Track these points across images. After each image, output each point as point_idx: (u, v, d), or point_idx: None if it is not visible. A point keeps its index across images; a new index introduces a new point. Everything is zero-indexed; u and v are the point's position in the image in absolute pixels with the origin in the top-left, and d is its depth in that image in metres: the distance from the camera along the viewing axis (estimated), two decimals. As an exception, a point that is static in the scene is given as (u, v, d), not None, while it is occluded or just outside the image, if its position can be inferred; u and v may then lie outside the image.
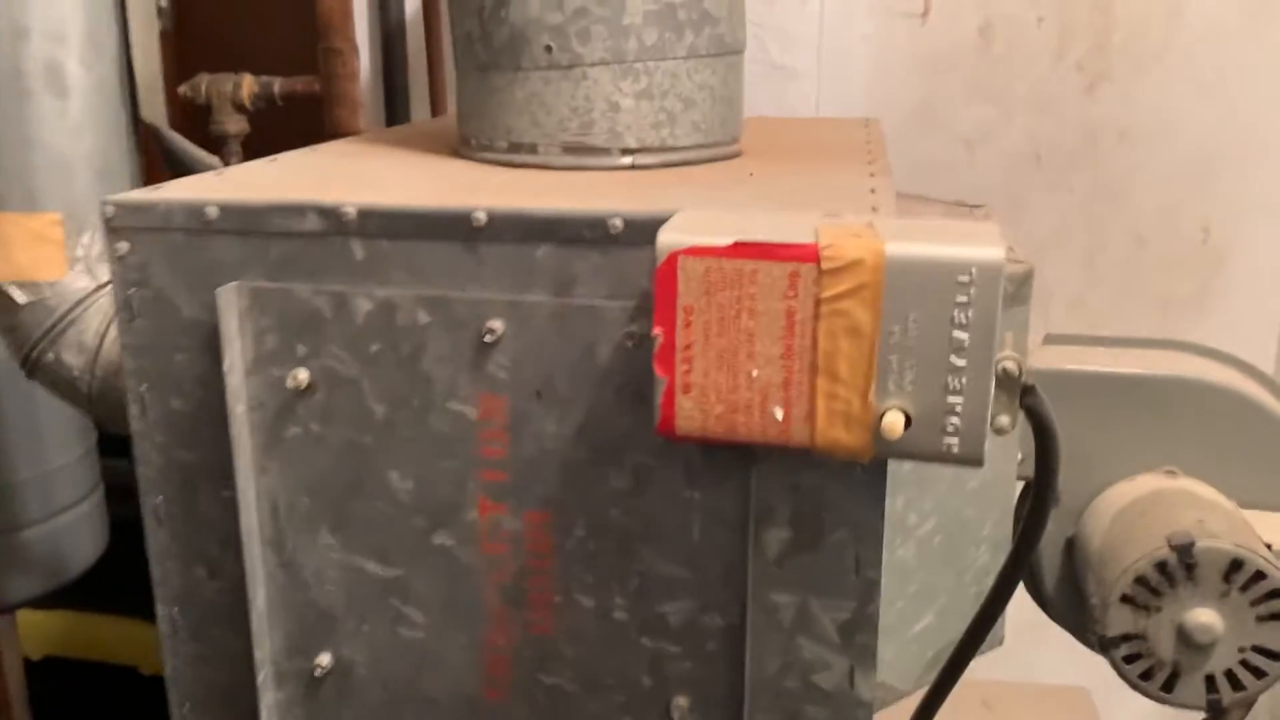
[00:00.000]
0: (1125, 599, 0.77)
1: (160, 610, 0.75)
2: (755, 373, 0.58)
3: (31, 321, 0.94)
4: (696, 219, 0.60)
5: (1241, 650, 0.76)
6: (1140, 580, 0.76)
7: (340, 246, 0.67)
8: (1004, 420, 0.59)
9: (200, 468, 0.72)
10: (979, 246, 0.55)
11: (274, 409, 0.70)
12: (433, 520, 0.70)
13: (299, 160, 0.86)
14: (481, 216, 0.65)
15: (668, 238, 0.58)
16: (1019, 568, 0.66)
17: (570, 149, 0.81)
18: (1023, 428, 0.82)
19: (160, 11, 1.45)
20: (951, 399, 0.56)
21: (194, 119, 1.50)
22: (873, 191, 0.72)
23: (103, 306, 0.92)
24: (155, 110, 0.98)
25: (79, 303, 0.93)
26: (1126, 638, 0.77)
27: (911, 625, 0.77)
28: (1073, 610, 0.87)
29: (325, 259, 0.67)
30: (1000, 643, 0.85)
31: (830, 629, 0.67)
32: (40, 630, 1.92)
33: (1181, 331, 1.51)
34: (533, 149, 0.82)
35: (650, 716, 0.70)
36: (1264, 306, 1.53)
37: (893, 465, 0.66)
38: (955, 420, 0.56)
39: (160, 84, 1.02)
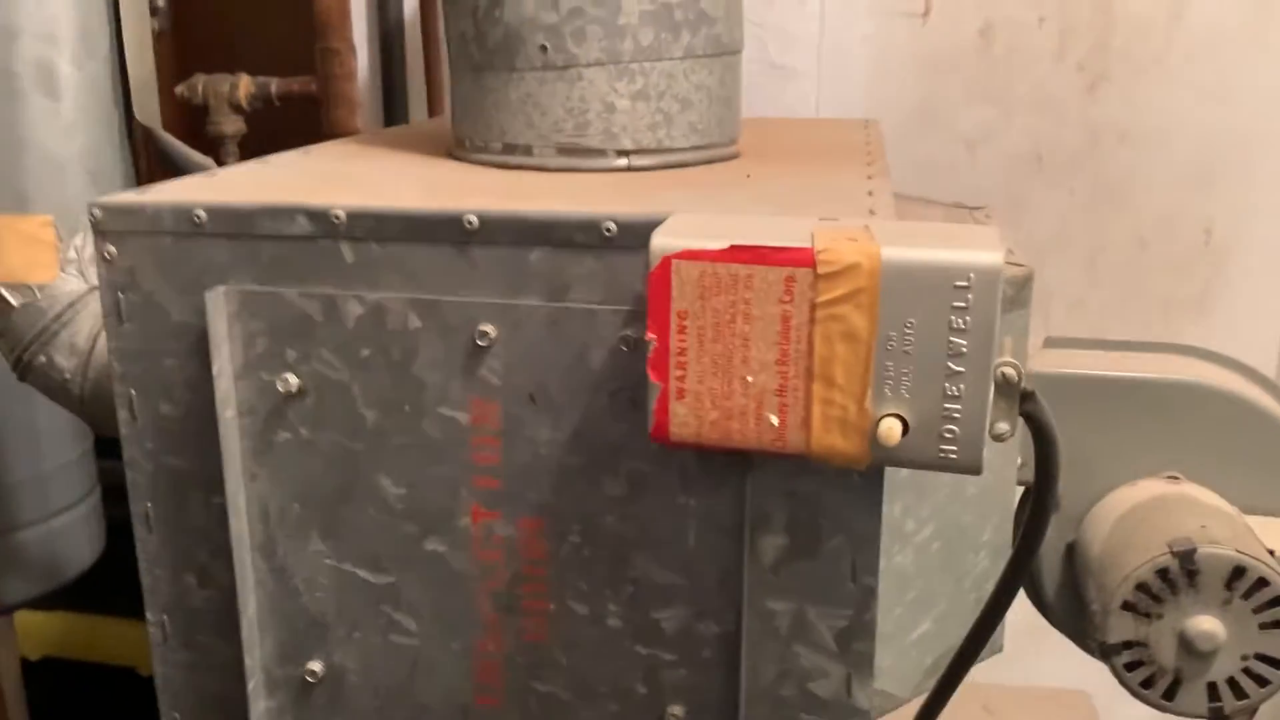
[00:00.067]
0: (1126, 606, 0.76)
1: (150, 617, 0.75)
2: (750, 378, 0.57)
3: (23, 324, 0.94)
4: (691, 222, 0.59)
5: (1244, 658, 0.75)
6: (1141, 587, 0.75)
7: (330, 249, 0.66)
8: (1003, 427, 0.58)
9: (190, 473, 0.71)
10: (977, 250, 0.54)
11: (264, 414, 0.69)
12: (424, 527, 0.69)
13: (291, 162, 0.85)
14: (473, 219, 0.64)
15: (661, 241, 0.57)
16: (1018, 575, 0.65)
17: (565, 150, 0.80)
18: (1022, 432, 0.81)
19: (157, 11, 1.44)
20: (949, 405, 0.55)
21: (192, 120, 1.50)
22: (870, 194, 0.71)
23: (95, 309, 0.92)
24: (149, 111, 0.98)
25: (71, 305, 0.92)
26: (1128, 645, 0.76)
27: (910, 632, 0.76)
28: (1073, 616, 0.86)
29: (315, 262, 0.66)
30: (1000, 649, 0.84)
31: (827, 637, 0.66)
32: (38, 631, 1.91)
33: (1183, 333, 1.51)
34: (528, 150, 0.81)
35: (645, 725, 0.70)
36: (1266, 308, 1.52)
37: (890, 471, 0.65)
38: (953, 427, 0.56)
39: (154, 84, 1.01)
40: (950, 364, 0.55)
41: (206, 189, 0.71)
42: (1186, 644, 0.75)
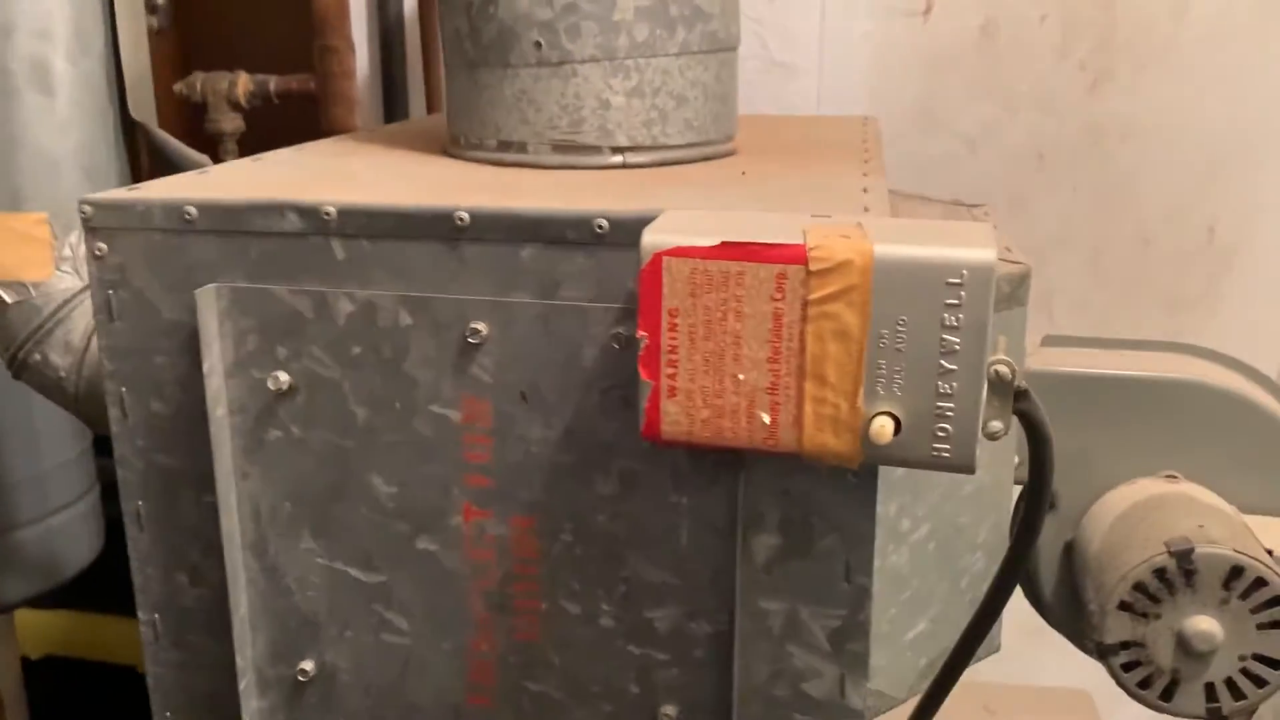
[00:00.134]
0: (1123, 606, 0.75)
1: (142, 616, 0.74)
2: (742, 376, 0.57)
3: (18, 321, 0.93)
4: (682, 219, 0.59)
5: (1242, 658, 0.75)
6: (1139, 587, 0.75)
7: (321, 246, 0.66)
8: (997, 425, 0.58)
9: (181, 472, 0.71)
10: (970, 248, 0.54)
11: (255, 412, 0.69)
12: (416, 525, 0.69)
13: (285, 159, 0.84)
14: (464, 216, 0.64)
15: (652, 238, 0.57)
16: (1013, 574, 0.64)
17: (560, 147, 0.80)
18: (1019, 431, 0.81)
19: (157, 9, 1.44)
20: (942, 404, 0.55)
21: (192, 117, 1.49)
22: (865, 191, 0.70)
23: (90, 306, 0.91)
24: (144, 108, 0.97)
25: (66, 303, 0.92)
26: (1125, 645, 0.76)
27: (905, 632, 0.75)
28: (1071, 616, 0.86)
29: (306, 259, 0.66)
30: (997, 649, 0.84)
31: (820, 637, 0.65)
32: (39, 630, 1.91)
33: (1188, 332, 1.50)
34: (522, 147, 0.80)
35: (638, 725, 0.69)
36: (1271, 306, 1.52)
37: (886, 470, 0.65)
38: (946, 426, 0.55)
39: (149, 81, 1.01)
40: (943, 362, 0.54)
41: (197, 186, 0.71)
42: (1184, 644, 0.75)
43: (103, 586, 1.57)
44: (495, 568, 0.69)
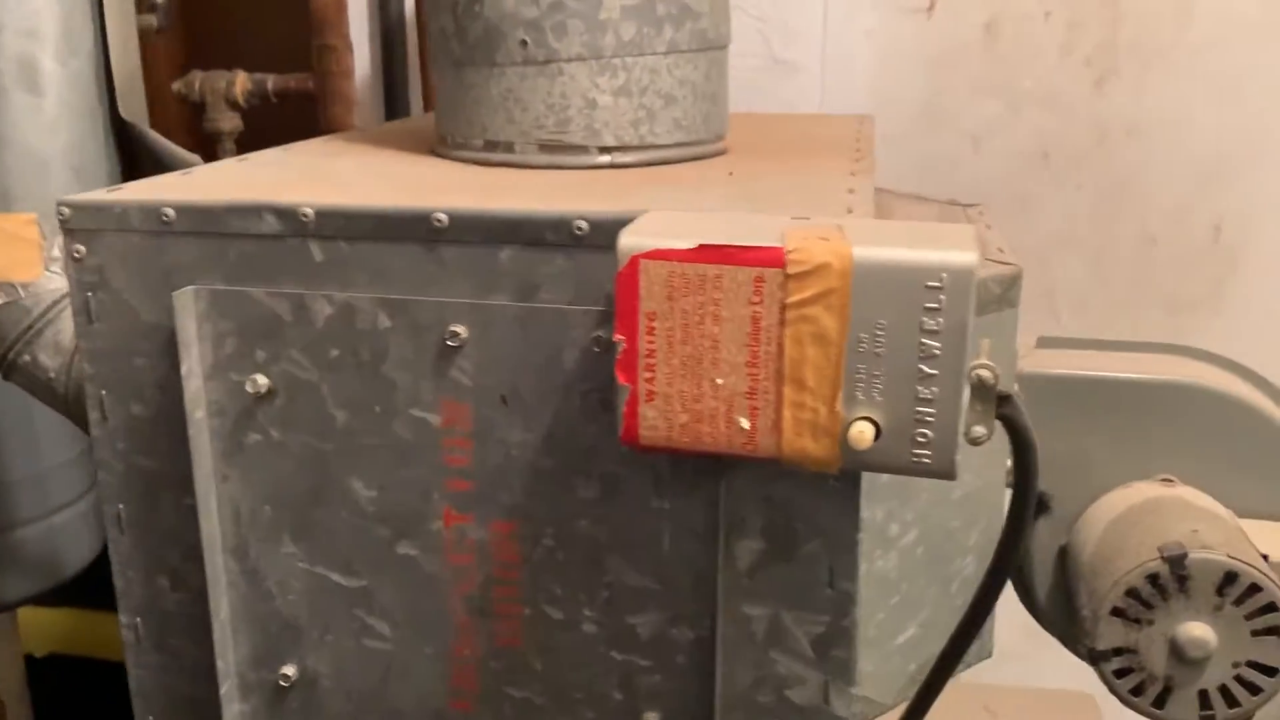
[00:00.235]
0: (1116, 612, 0.74)
1: (123, 620, 0.74)
2: (720, 381, 0.56)
3: (8, 322, 0.93)
4: (661, 221, 0.58)
5: (1236, 665, 0.74)
6: (1131, 592, 0.74)
7: (299, 248, 0.65)
8: (980, 431, 0.57)
9: (161, 475, 0.71)
10: (951, 250, 0.53)
11: (234, 415, 0.68)
12: (397, 530, 0.68)
13: (271, 159, 0.84)
14: (443, 218, 0.63)
15: (629, 241, 0.56)
16: (999, 580, 0.64)
17: (547, 147, 0.79)
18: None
19: (156, 9, 1.44)
20: (922, 409, 0.54)
21: (194, 116, 1.49)
22: (851, 191, 0.69)
23: (79, 307, 0.91)
24: (135, 108, 0.97)
25: (55, 304, 0.92)
26: (1117, 651, 0.75)
27: (894, 638, 0.75)
28: (1065, 620, 0.85)
29: (284, 261, 0.66)
30: (989, 654, 0.83)
31: (804, 643, 0.64)
32: (44, 627, 1.91)
33: (1192, 332, 1.48)
34: (509, 147, 0.80)
35: (620, 732, 0.68)
36: (1277, 307, 1.50)
37: (872, 475, 0.64)
38: (926, 431, 0.54)
39: (140, 81, 1.00)
40: (923, 366, 0.53)
41: (178, 187, 0.71)
42: (1177, 651, 0.73)
43: (107, 584, 1.57)
44: (476, 572, 0.68)
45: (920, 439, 0.54)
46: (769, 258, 0.54)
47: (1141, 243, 1.50)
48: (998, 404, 0.57)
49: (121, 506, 0.72)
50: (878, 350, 0.54)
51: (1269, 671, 0.73)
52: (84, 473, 1.47)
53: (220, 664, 0.71)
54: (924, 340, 0.53)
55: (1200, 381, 0.82)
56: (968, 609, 0.65)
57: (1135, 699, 0.76)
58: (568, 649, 0.68)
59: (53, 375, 0.94)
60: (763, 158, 0.85)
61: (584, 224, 0.62)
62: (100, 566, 1.49)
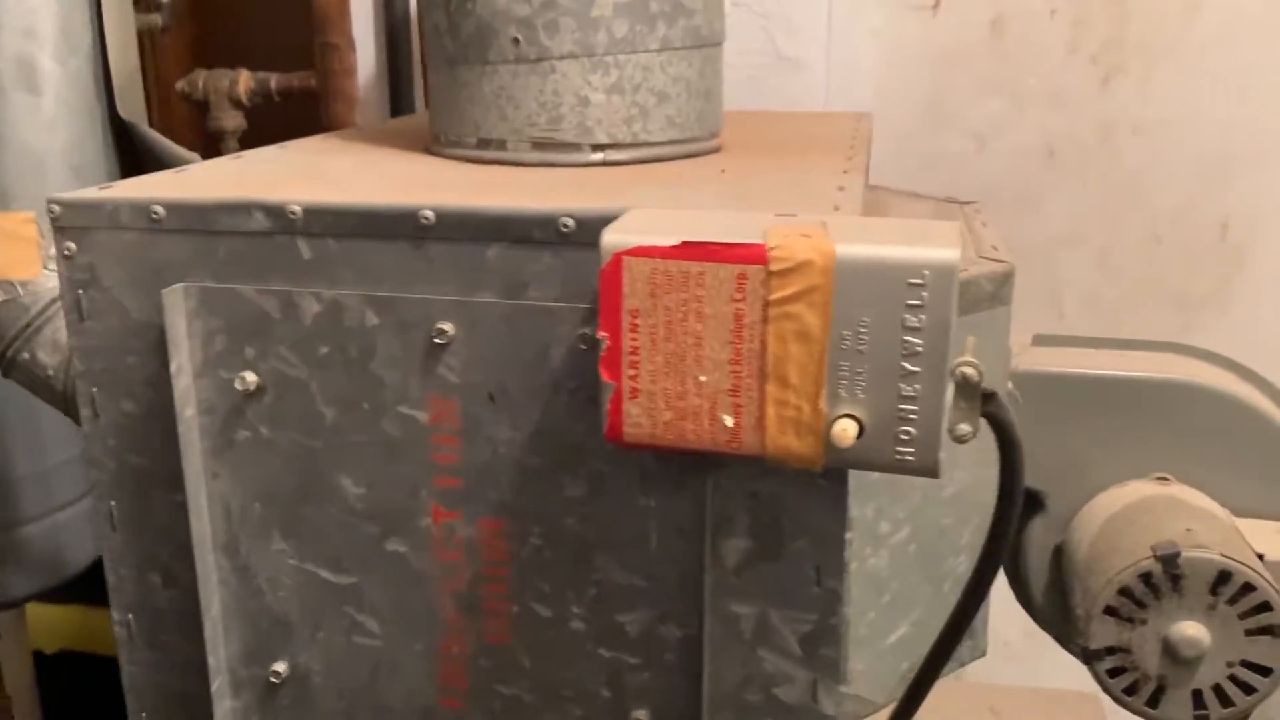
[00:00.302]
0: (1109, 610, 0.74)
1: (115, 616, 0.74)
2: (704, 378, 0.56)
3: (6, 320, 0.94)
4: (645, 218, 0.58)
5: (1230, 665, 0.73)
6: (1124, 591, 0.74)
7: (287, 246, 0.65)
8: (965, 428, 0.57)
9: (152, 472, 0.71)
10: (933, 247, 0.52)
11: (224, 412, 0.68)
12: (385, 527, 0.68)
13: (266, 157, 0.84)
14: (429, 215, 0.63)
15: (612, 238, 0.56)
16: (984, 580, 0.63)
17: (539, 145, 0.79)
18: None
19: (161, 8, 1.44)
20: (905, 407, 0.54)
21: (201, 116, 1.50)
22: (841, 189, 0.69)
23: (78, 305, 0.91)
24: (133, 107, 0.97)
25: (54, 301, 0.92)
26: (1110, 650, 0.75)
27: (886, 636, 0.74)
28: (1060, 619, 0.84)
29: (272, 259, 0.66)
30: (983, 653, 0.82)
31: (792, 641, 0.64)
32: (54, 624, 1.92)
33: (1199, 330, 1.48)
34: (501, 145, 0.80)
35: (609, 729, 0.68)
36: (1284, 305, 1.49)
37: (862, 473, 0.64)
38: (909, 428, 0.54)
39: (139, 80, 1.01)
40: (905, 364, 0.53)
41: (168, 185, 0.71)
42: (1170, 650, 0.73)
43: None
44: (465, 569, 0.68)
45: (903, 436, 0.54)
46: (751, 255, 0.54)
47: (1148, 241, 1.49)
48: (982, 401, 0.56)
49: (113, 504, 0.72)
50: (860, 347, 0.54)
51: (1263, 671, 0.73)
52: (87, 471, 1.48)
53: (211, 661, 0.71)
54: (906, 337, 0.53)
55: (1196, 380, 0.82)
56: (955, 608, 0.64)
57: (1129, 698, 0.76)
58: (556, 646, 0.68)
59: (51, 373, 0.94)
60: (757, 155, 0.85)
61: (570, 221, 0.62)
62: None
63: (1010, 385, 0.80)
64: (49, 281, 0.92)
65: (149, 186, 0.70)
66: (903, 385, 0.54)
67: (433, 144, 0.86)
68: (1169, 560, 0.72)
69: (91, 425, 0.71)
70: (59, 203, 0.67)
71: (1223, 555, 0.72)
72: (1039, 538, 0.85)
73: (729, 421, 0.56)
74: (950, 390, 0.55)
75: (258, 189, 0.68)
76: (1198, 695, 0.74)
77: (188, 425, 0.68)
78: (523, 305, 0.63)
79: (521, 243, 0.63)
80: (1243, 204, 1.45)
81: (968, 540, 0.78)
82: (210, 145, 1.43)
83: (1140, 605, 0.74)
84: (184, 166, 0.79)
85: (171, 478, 0.70)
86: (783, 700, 0.65)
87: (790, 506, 0.62)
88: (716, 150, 0.86)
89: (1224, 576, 0.72)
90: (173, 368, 0.66)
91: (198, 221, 0.66)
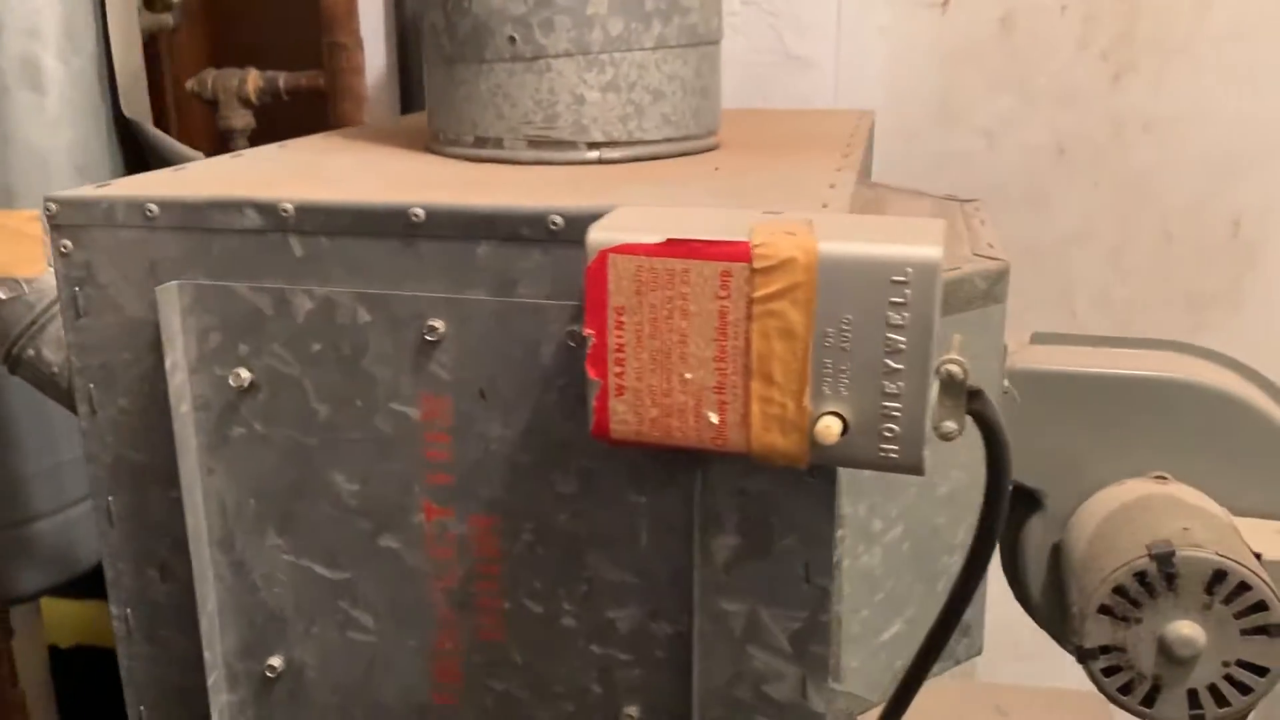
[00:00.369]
0: (1103, 609, 0.74)
1: (114, 611, 0.75)
2: (689, 375, 0.56)
3: (11, 318, 0.94)
4: (632, 216, 0.58)
5: (1225, 664, 0.73)
6: (1119, 590, 0.73)
7: (279, 243, 0.66)
8: (950, 426, 0.57)
9: (149, 468, 0.71)
10: (916, 245, 0.52)
11: (218, 409, 0.69)
12: (379, 523, 0.69)
13: (264, 156, 0.85)
14: (419, 213, 0.63)
15: (598, 235, 0.56)
16: (973, 579, 0.63)
17: (535, 143, 0.79)
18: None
19: (172, 8, 1.45)
20: (888, 404, 0.54)
21: (211, 114, 1.51)
22: (832, 186, 0.69)
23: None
24: (138, 106, 0.98)
25: (58, 299, 0.93)
26: (1105, 649, 0.75)
27: (879, 634, 0.74)
28: (1059, 618, 0.84)
29: (265, 256, 0.66)
30: (979, 652, 0.82)
31: (781, 638, 0.64)
32: (69, 619, 1.93)
33: (1212, 328, 1.47)
34: (498, 143, 0.80)
35: (600, 725, 0.69)
36: (1298, 302, 1.48)
37: (855, 470, 0.64)
38: (893, 426, 0.54)
39: (143, 79, 1.02)
40: (888, 361, 0.53)
41: (164, 183, 0.71)
42: (1165, 649, 0.73)
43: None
44: (457, 566, 0.68)
45: (887, 434, 0.54)
46: (735, 252, 0.54)
47: (1159, 239, 1.48)
48: (968, 399, 0.56)
49: (111, 499, 0.73)
50: (844, 345, 0.54)
51: (1259, 671, 0.73)
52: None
53: (208, 655, 0.72)
54: (889, 335, 0.53)
55: (1195, 378, 0.81)
56: (943, 607, 0.64)
57: (1124, 697, 0.75)
58: (548, 643, 0.68)
59: (56, 370, 0.95)
60: (753, 153, 0.85)
61: (559, 219, 0.62)
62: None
63: (1007, 383, 0.80)
64: (53, 279, 0.93)
65: (145, 185, 0.71)
66: (886, 383, 0.54)
67: (432, 143, 0.86)
68: (1164, 559, 0.72)
69: (89, 421, 0.72)
70: (55, 201, 0.68)
71: (1218, 554, 0.72)
72: (1037, 536, 0.85)
73: (714, 419, 0.56)
74: (935, 388, 0.55)
75: (251, 187, 0.68)
76: (1193, 695, 0.74)
77: (183, 421, 0.68)
78: (513, 303, 0.64)
79: (511, 240, 0.63)
80: (1255, 201, 1.45)
81: (962, 539, 0.78)
82: (221, 144, 1.43)
83: (1135, 604, 0.73)
84: (182, 165, 0.80)
85: (168, 473, 0.70)
86: (773, 697, 0.65)
87: (779, 504, 0.62)
88: (714, 148, 0.86)
89: (1219, 576, 0.72)
90: (167, 364, 0.67)
91: (191, 219, 0.67)
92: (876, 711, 0.74)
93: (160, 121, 1.60)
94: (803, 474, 0.61)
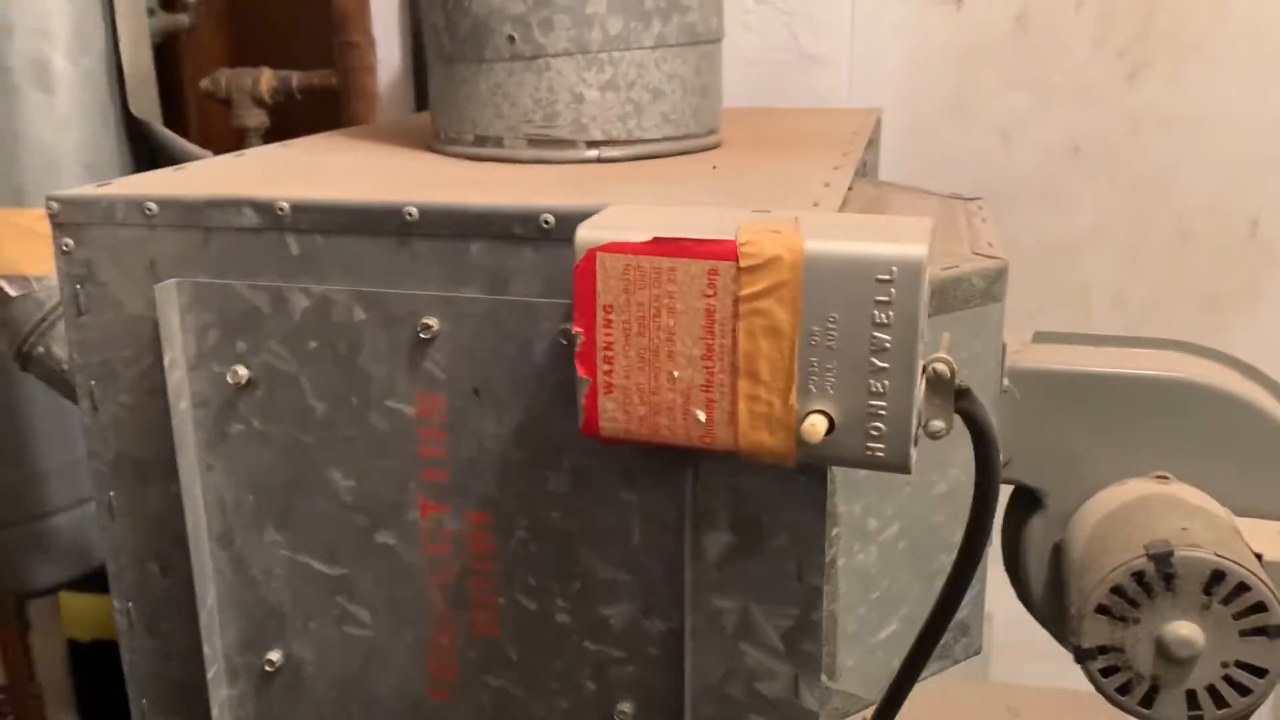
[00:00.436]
0: (1101, 609, 0.73)
1: (116, 605, 0.76)
2: (677, 373, 0.56)
3: (22, 315, 0.96)
4: (622, 214, 0.59)
5: (1224, 665, 0.72)
6: (1117, 590, 0.73)
7: (276, 242, 0.66)
8: (939, 425, 0.57)
9: (150, 464, 0.72)
10: (901, 244, 0.52)
11: (217, 405, 0.70)
12: (375, 519, 0.69)
13: (267, 155, 0.85)
14: (413, 211, 0.64)
15: (586, 234, 0.56)
16: (963, 580, 0.63)
17: (535, 142, 0.80)
18: (1001, 428, 0.79)
19: (188, 8, 1.46)
20: (874, 403, 0.54)
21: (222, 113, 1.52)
22: (827, 185, 0.69)
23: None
24: (147, 106, 0.99)
25: (66, 296, 0.94)
26: (1103, 650, 0.74)
27: (875, 632, 0.74)
28: (1059, 618, 0.84)
29: (262, 254, 0.67)
30: (978, 651, 0.82)
31: (773, 636, 0.65)
32: (89, 614, 1.95)
33: (1229, 328, 1.46)
34: (498, 142, 0.81)
35: (594, 722, 0.69)
36: (1316, 302, 1.47)
37: (849, 469, 0.64)
38: (879, 424, 0.54)
39: (152, 79, 1.03)
40: (874, 360, 0.53)
41: (165, 182, 0.72)
42: (1163, 650, 0.73)
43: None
44: (453, 562, 0.69)
45: (874, 432, 0.54)
46: (722, 251, 0.54)
47: (1176, 238, 1.47)
48: (956, 398, 0.56)
49: (112, 494, 0.73)
50: (830, 343, 0.54)
51: (1258, 672, 0.72)
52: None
53: (207, 649, 0.72)
54: (875, 333, 0.53)
55: (1197, 378, 0.81)
56: (934, 606, 0.64)
57: (1122, 698, 0.75)
58: (542, 639, 0.69)
59: (65, 367, 0.96)
60: (753, 151, 0.85)
61: (551, 218, 0.62)
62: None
63: (1007, 382, 0.80)
64: (63, 277, 0.94)
65: (144, 184, 0.71)
66: (872, 381, 0.54)
67: (433, 142, 0.87)
68: (1162, 559, 0.72)
69: (91, 417, 0.72)
70: (57, 199, 0.69)
71: (1217, 555, 0.72)
72: (1038, 536, 0.84)
73: (702, 416, 0.57)
74: (922, 386, 0.55)
75: (249, 186, 0.69)
76: (1192, 696, 0.74)
77: (182, 418, 0.69)
78: (506, 301, 0.64)
79: (504, 239, 0.63)
80: (1273, 200, 1.43)
81: (960, 538, 0.78)
82: (237, 143, 1.45)
83: (1133, 604, 0.73)
84: (184, 164, 0.81)
85: (168, 469, 0.71)
86: (765, 695, 0.66)
87: (770, 502, 0.62)
88: (715, 146, 0.86)
89: (1218, 576, 0.71)
90: (166, 361, 0.68)
91: (189, 218, 0.67)
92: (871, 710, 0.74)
93: (180, 121, 1.61)
94: (794, 472, 0.61)
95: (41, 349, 0.96)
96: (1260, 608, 0.71)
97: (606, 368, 0.57)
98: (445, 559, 0.69)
